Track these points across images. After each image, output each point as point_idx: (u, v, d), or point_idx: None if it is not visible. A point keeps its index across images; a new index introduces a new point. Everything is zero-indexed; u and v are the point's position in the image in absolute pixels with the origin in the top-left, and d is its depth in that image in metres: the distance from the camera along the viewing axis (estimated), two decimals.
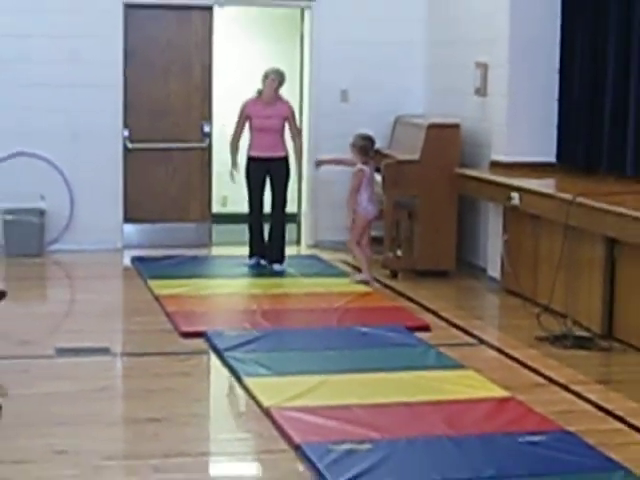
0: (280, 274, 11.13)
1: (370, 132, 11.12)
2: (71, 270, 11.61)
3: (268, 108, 11.17)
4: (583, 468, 5.68)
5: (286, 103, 11.50)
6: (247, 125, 11.29)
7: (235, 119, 11.32)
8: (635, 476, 5.56)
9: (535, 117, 10.60)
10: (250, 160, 11.24)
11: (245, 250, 11.55)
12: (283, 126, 11.29)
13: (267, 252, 11.35)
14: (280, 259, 11.26)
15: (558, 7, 10.54)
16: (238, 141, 11.42)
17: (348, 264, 11.53)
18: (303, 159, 11.72)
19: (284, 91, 13.21)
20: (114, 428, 6.62)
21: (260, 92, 11.23)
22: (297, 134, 11.50)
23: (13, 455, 5.88)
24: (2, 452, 5.95)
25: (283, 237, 11.44)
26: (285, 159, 11.30)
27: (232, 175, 11.48)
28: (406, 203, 10.91)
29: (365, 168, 10.54)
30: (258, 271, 11.23)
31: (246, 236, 11.49)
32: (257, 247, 11.42)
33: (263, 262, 11.37)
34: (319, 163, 11.60)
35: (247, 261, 11.43)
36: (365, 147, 10.61)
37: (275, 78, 11.21)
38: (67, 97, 12.00)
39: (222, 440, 6.58)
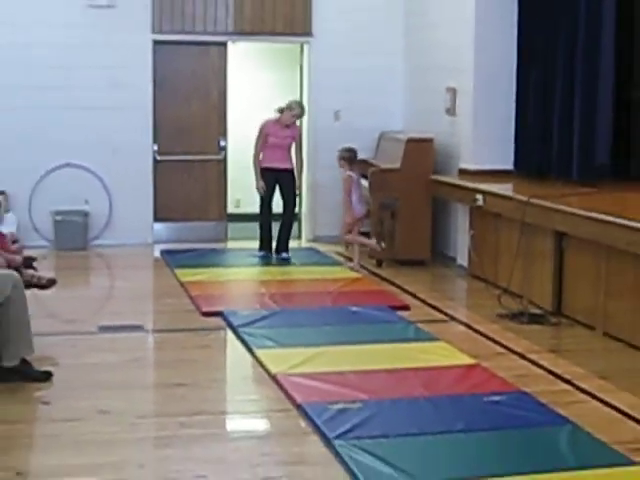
0: (286, 261, 11.20)
1: (353, 145, 11.14)
2: (110, 261, 11.60)
3: (284, 130, 11.24)
4: (537, 423, 5.71)
5: (297, 127, 11.63)
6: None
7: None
8: (580, 428, 5.58)
9: (495, 133, 10.58)
10: (262, 170, 11.23)
11: (255, 244, 11.54)
12: (291, 144, 11.34)
13: (276, 244, 11.37)
14: (285, 249, 11.33)
15: (514, 43, 10.52)
16: (259, 157, 11.37)
17: (341, 255, 11.54)
18: (303, 169, 11.75)
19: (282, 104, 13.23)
20: (147, 392, 6.66)
21: (281, 111, 11.20)
22: (299, 151, 11.55)
23: (63, 415, 5.90)
24: (54, 412, 5.99)
25: (289, 233, 11.49)
26: (291, 171, 11.35)
27: (261, 189, 11.39)
28: (389, 204, 10.90)
29: (352, 174, 10.57)
30: (266, 261, 11.21)
31: (256, 232, 11.48)
32: (266, 242, 11.41)
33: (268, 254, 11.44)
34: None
35: (257, 253, 11.43)
36: (350, 157, 10.69)
37: (296, 114, 11.31)
38: (106, 117, 11.97)
39: (237, 401, 6.60)
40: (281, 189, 11.37)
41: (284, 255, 11.30)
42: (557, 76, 9.96)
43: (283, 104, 11.26)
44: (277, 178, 11.28)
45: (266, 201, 11.36)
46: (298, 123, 11.73)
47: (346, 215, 10.85)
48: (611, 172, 9.55)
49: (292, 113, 11.24)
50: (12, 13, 11.64)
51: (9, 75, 11.67)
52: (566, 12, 9.79)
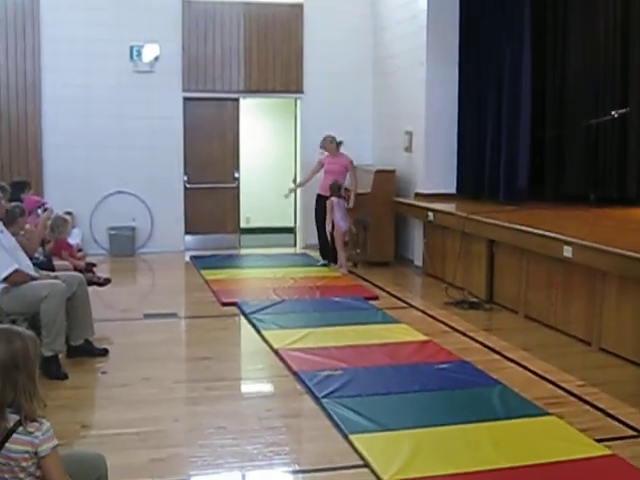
0: (324, 266, 10.77)
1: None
2: (151, 265, 11.57)
3: (333, 159, 10.80)
4: (475, 384, 5.74)
5: (345, 156, 10.89)
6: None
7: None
8: (508, 388, 5.61)
9: (442, 165, 10.56)
10: (318, 196, 10.82)
11: (262, 251, 11.59)
12: (342, 172, 10.75)
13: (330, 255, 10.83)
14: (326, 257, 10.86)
15: (456, 96, 10.53)
16: (307, 180, 11.24)
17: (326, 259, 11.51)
18: (349, 192, 10.84)
19: (283, 149, 13.28)
20: (180, 363, 6.66)
21: (332, 142, 10.83)
22: (353, 177, 10.78)
23: (117, 381, 5.92)
24: (111, 379, 6.00)
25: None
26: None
27: (290, 191, 11.49)
28: (363, 219, 10.90)
29: (334, 199, 10.44)
30: (271, 263, 11.10)
31: (263, 242, 11.43)
32: (325, 252, 10.94)
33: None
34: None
35: (321, 261, 10.99)
36: (332, 188, 10.52)
37: (328, 143, 10.79)
38: (148, 155, 11.98)
39: (248, 370, 6.63)
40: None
41: (334, 265, 10.66)
42: (488, 120, 10.00)
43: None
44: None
45: (320, 220, 10.79)
46: (293, 159, 11.55)
47: (328, 226, 10.60)
48: (528, 195, 9.59)
49: (327, 143, 10.86)
50: (80, 76, 11.68)
51: (76, 122, 11.70)
52: (494, 72, 9.83)
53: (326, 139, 10.86)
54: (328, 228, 10.57)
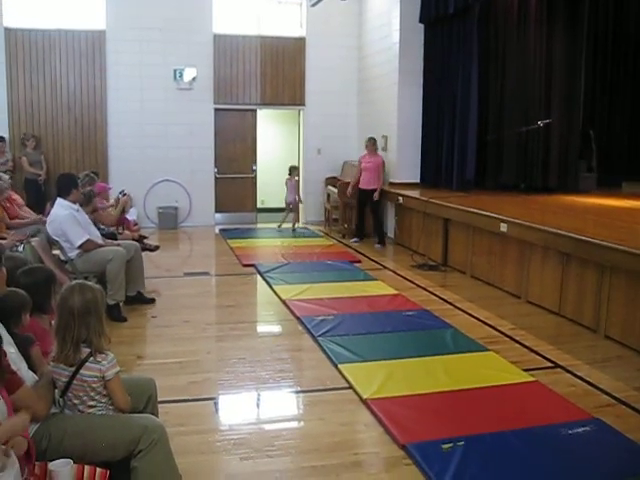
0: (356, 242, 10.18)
1: (329, 168, 11.35)
2: (190, 236, 11.51)
3: (370, 158, 10.05)
4: (433, 327, 5.75)
5: (380, 156, 10.16)
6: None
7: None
8: (458, 330, 5.62)
9: (409, 160, 10.45)
10: (359, 190, 10.10)
11: (272, 225, 11.57)
12: (376, 169, 9.95)
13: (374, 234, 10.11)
14: (379, 241, 10.00)
15: (420, 107, 10.41)
16: (357, 180, 10.17)
17: (322, 232, 11.46)
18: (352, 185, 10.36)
19: (289, 148, 13.18)
20: (211, 310, 6.65)
21: (369, 145, 10.12)
22: (381, 175, 9.97)
23: (163, 323, 5.92)
24: (159, 322, 6.00)
25: (380, 227, 10.08)
26: (374, 190, 9.91)
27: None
28: (349, 202, 10.84)
29: (288, 178, 11.04)
30: (281, 234, 10.99)
31: (274, 219, 11.43)
32: (360, 232, 10.26)
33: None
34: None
35: (355, 239, 10.31)
36: (290, 170, 11.02)
37: (370, 144, 10.08)
38: (187, 153, 11.85)
39: (262, 315, 6.62)
40: (370, 202, 10.04)
41: (377, 247, 9.88)
42: (444, 126, 9.91)
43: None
44: (366, 195, 9.98)
45: (361, 208, 10.19)
46: (297, 160, 11.43)
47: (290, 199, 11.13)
48: (474, 184, 9.56)
49: (370, 144, 10.12)
50: (136, 93, 11.55)
51: (134, 129, 11.59)
52: (449, 89, 9.75)
53: (369, 140, 10.17)
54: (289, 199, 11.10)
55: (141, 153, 11.69)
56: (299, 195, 11.42)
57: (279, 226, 11.40)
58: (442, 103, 9.97)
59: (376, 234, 10.16)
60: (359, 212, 10.37)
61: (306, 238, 10.74)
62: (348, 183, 10.64)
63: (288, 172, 11.23)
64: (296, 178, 11.34)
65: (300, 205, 11.58)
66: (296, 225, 11.42)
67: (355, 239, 10.34)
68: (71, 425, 2.80)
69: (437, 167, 10.17)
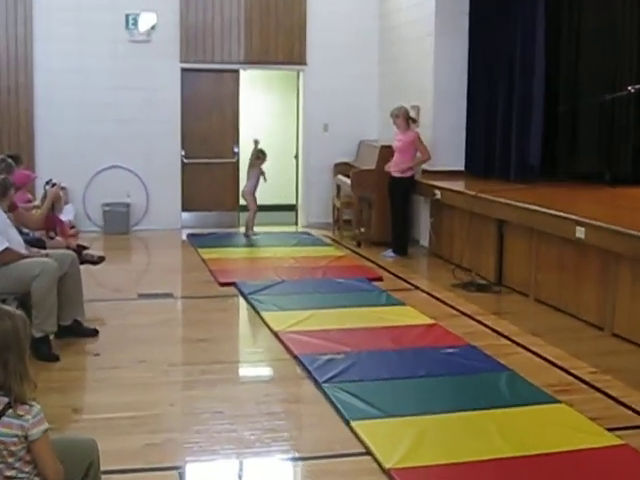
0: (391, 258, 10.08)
1: (338, 151, 11.75)
2: (147, 243, 11.58)
3: (400, 135, 10.03)
4: (483, 370, 5.75)
5: (414, 131, 10.09)
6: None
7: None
8: (516, 374, 5.61)
9: (450, 141, 10.54)
10: (389, 178, 10.16)
11: (260, 229, 11.68)
12: (407, 149, 9.99)
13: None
14: (394, 249, 10.16)
15: (465, 69, 10.50)
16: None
17: (329, 238, 11.52)
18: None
19: (284, 124, 13.21)
20: (176, 345, 6.68)
21: (399, 118, 10.05)
22: (423, 151, 10.05)
23: (110, 364, 5.92)
24: (102, 361, 6.01)
25: (400, 227, 10.22)
26: (410, 178, 10.11)
27: None
28: (366, 197, 10.89)
29: (254, 163, 11.43)
30: (269, 242, 11.11)
31: (261, 220, 11.51)
32: (399, 245, 10.20)
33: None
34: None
35: (389, 253, 10.15)
36: (257, 155, 11.41)
37: (402, 116, 10.00)
38: (144, 128, 11.96)
39: (246, 352, 6.67)
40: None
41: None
42: (499, 95, 9.97)
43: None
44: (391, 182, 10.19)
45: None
46: (295, 137, 11.47)
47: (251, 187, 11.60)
48: (540, 173, 9.57)
49: (395, 118, 10.10)
50: (74, 47, 11.65)
51: (70, 94, 11.69)
52: (506, 43, 9.79)
53: (399, 110, 10.07)
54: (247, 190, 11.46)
55: (80, 129, 11.78)
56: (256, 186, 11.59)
57: (247, 232, 11.53)
58: (496, 61, 9.99)
59: (393, 238, 10.21)
60: (393, 211, 10.33)
61: (307, 247, 10.80)
62: (366, 171, 10.66)
63: (254, 156, 11.43)
64: (262, 167, 11.48)
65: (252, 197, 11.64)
66: (250, 230, 11.54)
67: (390, 253, 10.19)
68: None
69: (488, 150, 10.19)
